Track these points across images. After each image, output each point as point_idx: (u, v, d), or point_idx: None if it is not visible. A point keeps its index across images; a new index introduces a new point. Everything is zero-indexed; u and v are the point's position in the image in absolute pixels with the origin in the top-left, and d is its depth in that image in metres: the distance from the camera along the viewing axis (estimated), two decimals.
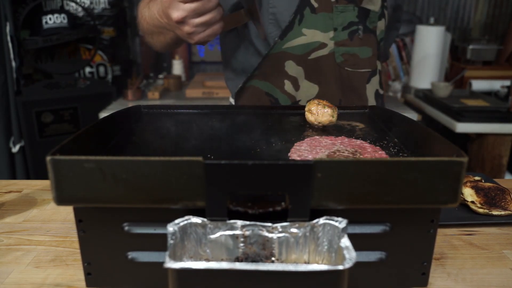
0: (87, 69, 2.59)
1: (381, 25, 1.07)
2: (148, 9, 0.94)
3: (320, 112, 0.78)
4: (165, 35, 0.96)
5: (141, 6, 1.00)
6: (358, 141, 0.71)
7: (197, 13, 0.78)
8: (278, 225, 0.49)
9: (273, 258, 0.50)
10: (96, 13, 2.52)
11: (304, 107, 0.84)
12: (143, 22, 0.98)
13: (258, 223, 0.49)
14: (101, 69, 2.61)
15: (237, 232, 0.49)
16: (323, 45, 1.00)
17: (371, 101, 1.07)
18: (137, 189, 0.47)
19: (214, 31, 0.83)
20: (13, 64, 2.14)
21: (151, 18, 0.92)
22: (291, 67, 1.01)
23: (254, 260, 0.50)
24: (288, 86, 1.03)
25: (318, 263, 0.50)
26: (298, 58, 1.01)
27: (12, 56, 2.13)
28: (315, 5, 0.98)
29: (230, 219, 0.49)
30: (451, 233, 0.73)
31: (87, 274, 0.55)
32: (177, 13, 0.77)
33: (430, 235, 0.54)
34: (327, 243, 0.49)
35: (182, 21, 0.78)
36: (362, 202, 0.48)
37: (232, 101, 1.17)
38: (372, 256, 0.54)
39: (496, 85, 2.37)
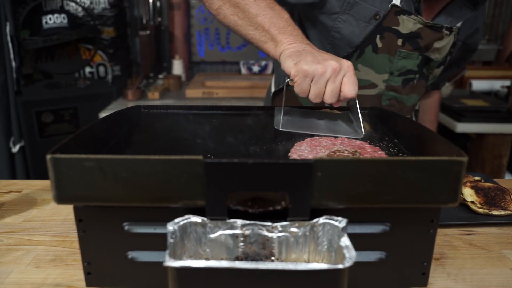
0: (87, 69, 2.59)
1: (437, 71, 1.03)
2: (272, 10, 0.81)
3: None
4: (255, 36, 0.83)
5: None
6: (358, 141, 0.71)
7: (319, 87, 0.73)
8: (278, 224, 0.49)
9: (273, 258, 0.50)
10: (96, 13, 2.51)
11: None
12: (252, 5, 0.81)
13: (258, 222, 0.49)
14: (101, 69, 2.61)
15: (237, 231, 0.49)
16: (373, 85, 0.98)
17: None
18: (137, 188, 0.47)
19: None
20: (13, 64, 2.14)
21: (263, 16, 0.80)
22: None
23: (254, 260, 0.50)
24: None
25: (318, 262, 0.50)
26: None
27: (12, 56, 2.13)
28: (379, 45, 0.94)
29: (230, 218, 0.49)
30: (451, 233, 0.73)
31: (87, 274, 0.55)
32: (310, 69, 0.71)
33: (430, 235, 0.53)
34: (327, 242, 0.49)
35: (306, 75, 0.72)
36: (362, 202, 0.48)
37: (271, 92, 1.14)
38: (372, 256, 0.54)
39: (496, 85, 2.37)
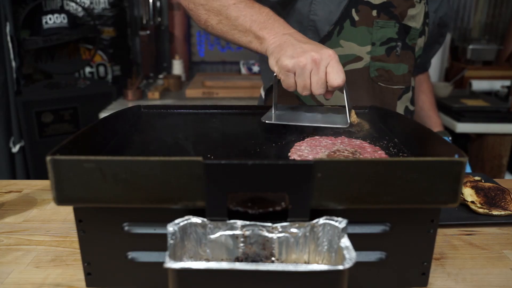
0: (87, 69, 2.59)
1: (420, 42, 1.06)
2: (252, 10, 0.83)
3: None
4: (241, 39, 0.84)
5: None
6: (358, 141, 0.71)
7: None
8: (278, 225, 0.49)
9: (273, 258, 0.50)
10: (96, 13, 2.52)
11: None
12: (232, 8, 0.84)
13: (258, 223, 0.49)
14: (101, 69, 2.61)
15: (237, 232, 0.49)
16: (358, 59, 1.01)
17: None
18: (137, 189, 0.47)
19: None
20: (13, 64, 2.14)
21: (243, 20, 0.82)
22: None
23: (254, 260, 0.50)
24: None
25: (318, 263, 0.50)
26: None
27: (12, 56, 2.13)
28: (356, 18, 0.98)
29: (230, 219, 0.49)
30: (451, 233, 0.73)
31: (87, 274, 0.55)
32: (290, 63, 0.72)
33: (430, 235, 0.54)
34: (327, 243, 0.49)
35: (288, 70, 0.74)
36: (362, 202, 0.48)
37: (262, 93, 1.17)
38: (372, 256, 0.54)
39: (496, 85, 2.37)
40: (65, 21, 2.38)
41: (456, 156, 0.48)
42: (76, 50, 2.51)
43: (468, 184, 0.84)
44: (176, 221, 0.47)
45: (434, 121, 1.33)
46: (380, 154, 0.65)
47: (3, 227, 0.75)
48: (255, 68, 2.75)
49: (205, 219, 0.48)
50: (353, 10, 0.97)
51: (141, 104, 0.89)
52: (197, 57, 2.99)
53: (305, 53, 0.72)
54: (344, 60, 1.00)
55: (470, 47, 2.57)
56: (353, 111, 0.81)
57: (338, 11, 0.96)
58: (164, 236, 0.47)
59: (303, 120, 0.79)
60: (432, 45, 1.24)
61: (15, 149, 2.19)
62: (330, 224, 0.48)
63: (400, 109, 1.07)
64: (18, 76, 2.18)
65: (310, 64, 0.72)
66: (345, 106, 0.78)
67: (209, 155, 0.64)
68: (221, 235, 0.49)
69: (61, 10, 2.43)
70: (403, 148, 0.68)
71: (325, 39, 0.99)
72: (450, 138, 1.18)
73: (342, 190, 0.47)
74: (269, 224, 0.49)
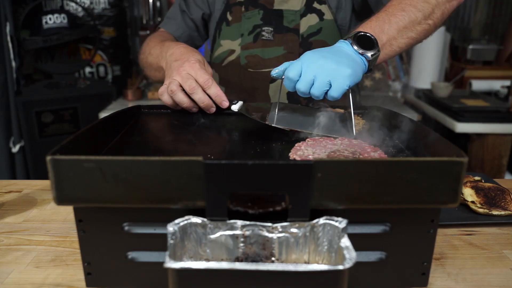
0: (87, 69, 2.59)
1: (306, 21, 1.07)
2: (161, 49, 0.99)
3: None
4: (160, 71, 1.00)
5: (150, 45, 1.09)
6: (358, 141, 0.71)
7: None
8: (278, 225, 0.49)
9: (273, 258, 0.50)
10: (96, 13, 2.51)
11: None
12: (148, 57, 1.06)
13: (258, 223, 0.49)
14: (101, 69, 2.61)
15: (237, 232, 0.49)
16: (231, 52, 1.11)
17: (281, 101, 1.08)
18: (137, 189, 0.47)
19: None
20: (13, 64, 2.14)
21: (159, 56, 0.99)
22: (214, 74, 1.14)
23: (254, 260, 0.50)
24: None
25: (318, 263, 0.50)
26: (216, 66, 1.16)
27: (12, 56, 2.13)
28: (230, 18, 1.11)
29: (230, 219, 0.49)
30: (451, 233, 0.73)
31: (87, 274, 0.55)
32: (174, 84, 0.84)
33: (430, 235, 0.54)
34: (327, 243, 0.49)
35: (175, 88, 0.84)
36: (362, 202, 0.48)
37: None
38: (372, 256, 0.54)
39: (496, 85, 2.37)
40: (65, 21, 2.38)
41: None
42: (76, 50, 2.51)
43: (468, 184, 0.84)
44: (176, 221, 0.47)
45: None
46: (380, 154, 0.65)
47: (3, 227, 0.75)
48: None
49: (205, 219, 0.48)
50: (228, 13, 1.11)
51: (141, 104, 0.89)
52: None
53: (169, 78, 0.86)
54: (223, 57, 1.13)
55: (470, 47, 2.57)
56: (358, 118, 0.81)
57: (220, 18, 1.12)
58: (164, 236, 0.47)
59: (308, 126, 0.78)
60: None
61: (15, 149, 2.19)
62: (330, 224, 0.48)
63: (275, 92, 1.09)
64: (18, 76, 2.18)
65: (174, 85, 0.84)
66: (349, 112, 0.76)
67: (209, 155, 0.64)
68: (221, 235, 0.49)
69: (61, 10, 2.43)
70: (403, 148, 0.68)
71: (213, 43, 1.16)
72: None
73: (342, 190, 0.47)
74: (269, 224, 0.49)
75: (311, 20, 1.08)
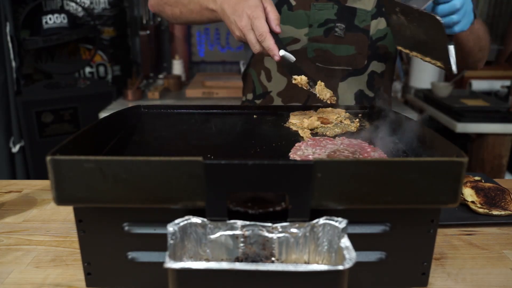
0: (87, 69, 2.59)
1: (376, 24, 1.06)
2: None
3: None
4: (200, 13, 0.97)
5: None
6: (358, 141, 0.71)
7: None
8: (278, 225, 0.49)
9: (273, 258, 0.50)
10: (96, 13, 2.52)
11: (306, 107, 0.86)
12: None
13: (258, 223, 0.49)
14: (101, 69, 2.61)
15: (237, 232, 0.49)
16: (296, 40, 1.05)
17: (349, 101, 1.07)
18: (137, 189, 0.47)
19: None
20: (13, 64, 2.14)
21: None
22: (268, 59, 1.08)
23: (254, 260, 0.50)
24: (262, 76, 1.10)
25: (318, 263, 0.49)
26: None
27: (12, 56, 2.13)
28: (293, 3, 1.03)
29: (230, 219, 0.49)
30: (451, 233, 0.73)
31: (87, 274, 0.55)
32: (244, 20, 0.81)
33: (430, 235, 0.53)
34: (327, 243, 0.49)
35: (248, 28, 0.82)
36: (362, 202, 0.48)
37: (242, 67, 1.25)
38: (372, 256, 0.54)
39: (496, 85, 2.37)
40: (65, 21, 2.38)
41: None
42: (76, 50, 2.51)
43: (468, 184, 0.84)
44: (176, 221, 0.47)
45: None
46: (380, 154, 0.65)
47: (3, 227, 0.75)
48: None
49: (205, 219, 0.48)
50: None
51: (141, 104, 0.89)
52: (197, 57, 2.99)
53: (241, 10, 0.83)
54: (284, 43, 1.07)
55: None
56: (358, 118, 0.81)
57: None
58: (164, 236, 0.47)
59: None
60: None
61: (15, 149, 2.19)
62: (330, 224, 0.48)
63: (346, 91, 1.07)
64: (18, 76, 2.18)
65: (245, 19, 0.81)
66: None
67: (209, 155, 0.64)
68: (221, 235, 0.49)
69: (61, 10, 2.43)
70: (403, 148, 0.68)
71: None
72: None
73: (342, 190, 0.47)
74: (269, 224, 0.49)
75: (380, 23, 1.07)
